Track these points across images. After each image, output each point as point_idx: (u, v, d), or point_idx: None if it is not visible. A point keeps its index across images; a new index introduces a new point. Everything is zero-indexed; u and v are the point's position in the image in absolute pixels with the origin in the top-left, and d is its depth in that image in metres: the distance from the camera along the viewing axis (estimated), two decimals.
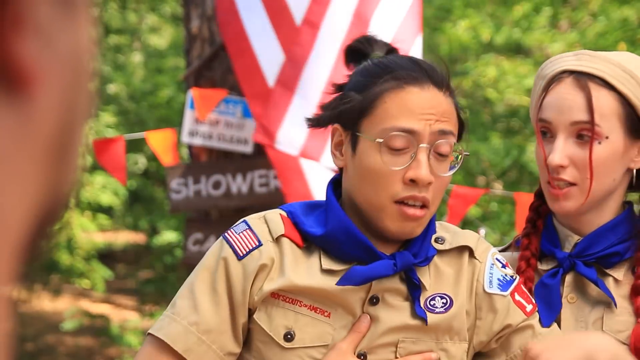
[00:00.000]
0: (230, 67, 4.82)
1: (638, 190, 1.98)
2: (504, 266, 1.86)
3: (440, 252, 1.82)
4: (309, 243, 1.79)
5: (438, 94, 1.73)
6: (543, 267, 1.98)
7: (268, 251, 1.75)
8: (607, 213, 1.94)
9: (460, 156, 1.75)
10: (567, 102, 1.85)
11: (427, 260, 1.78)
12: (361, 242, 1.74)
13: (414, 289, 1.76)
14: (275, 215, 1.80)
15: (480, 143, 8.77)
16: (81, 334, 9.91)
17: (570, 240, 1.95)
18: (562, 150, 1.86)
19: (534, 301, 1.85)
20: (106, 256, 12.17)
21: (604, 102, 1.83)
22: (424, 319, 1.75)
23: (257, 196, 4.89)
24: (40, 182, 0.42)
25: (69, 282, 9.85)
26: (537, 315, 1.84)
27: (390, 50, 1.84)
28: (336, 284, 1.73)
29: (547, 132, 1.90)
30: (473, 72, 9.28)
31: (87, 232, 10.10)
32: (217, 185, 4.94)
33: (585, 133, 1.85)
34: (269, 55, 4.27)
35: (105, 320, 9.80)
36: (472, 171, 9.28)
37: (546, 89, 1.89)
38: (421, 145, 1.70)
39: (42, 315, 10.34)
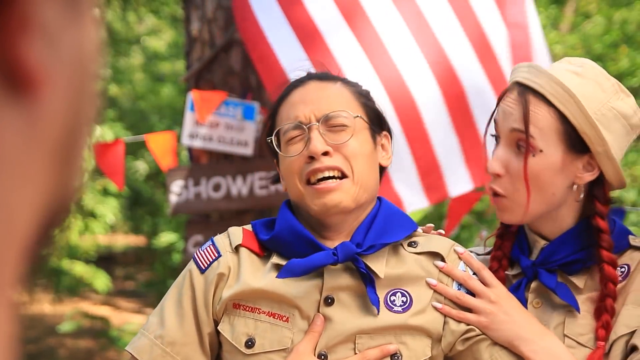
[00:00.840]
0: (231, 69, 4.82)
1: (601, 202, 1.94)
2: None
3: (411, 254, 1.87)
4: (268, 252, 1.89)
5: (321, 84, 1.88)
6: (512, 272, 2.01)
7: (226, 261, 1.87)
8: (566, 221, 1.95)
9: (356, 119, 1.85)
10: (509, 109, 1.91)
11: (372, 249, 1.83)
12: (305, 238, 1.83)
13: (365, 278, 1.81)
14: (237, 229, 1.93)
15: None
16: (81, 336, 9.90)
17: (537, 246, 1.98)
18: (501, 157, 1.91)
19: None
20: (106, 259, 12.17)
21: (542, 117, 1.86)
22: (376, 311, 1.80)
23: (257, 198, 4.89)
24: (47, 184, 0.42)
25: (70, 285, 9.84)
26: None
27: None
28: (276, 277, 1.81)
29: (498, 137, 1.94)
30: None
31: (86, 235, 10.09)
32: (217, 187, 4.94)
33: (522, 144, 1.88)
34: (286, 50, 4.20)
35: (105, 322, 9.81)
36: None
37: (502, 95, 1.95)
38: (309, 125, 1.83)
39: (42, 318, 10.34)
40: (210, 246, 1.91)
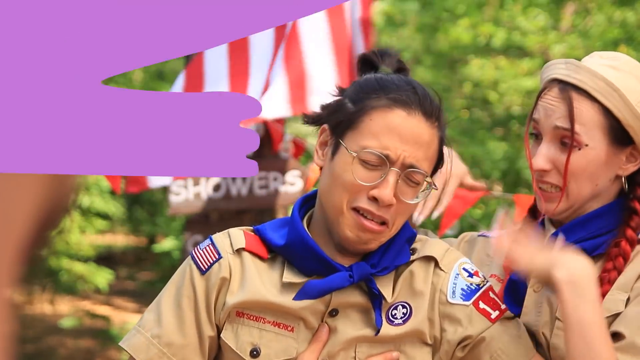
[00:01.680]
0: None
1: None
2: (471, 275, 1.87)
3: (409, 263, 1.85)
4: (274, 255, 1.85)
5: (423, 123, 1.77)
6: None
7: (227, 264, 1.83)
8: (590, 208, 1.98)
9: (430, 188, 1.79)
10: (552, 107, 1.92)
11: (386, 270, 1.81)
12: (318, 255, 1.79)
13: (374, 298, 1.80)
14: (238, 231, 1.88)
15: (478, 147, 8.77)
16: (81, 335, 9.91)
17: (547, 234, 2.00)
18: (545, 154, 1.93)
19: (502, 306, 1.86)
20: (106, 259, 12.17)
21: (585, 113, 1.89)
22: (377, 329, 1.79)
23: (256, 198, 4.90)
24: (43, 184, 0.42)
25: (70, 285, 9.85)
26: (506, 320, 1.85)
27: (401, 67, 1.88)
28: (293, 299, 1.79)
29: (538, 135, 1.96)
30: (474, 74, 9.27)
31: (86, 234, 10.09)
32: (216, 187, 4.94)
33: (566, 140, 1.91)
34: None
35: (105, 322, 9.81)
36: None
37: (540, 93, 1.97)
38: (392, 168, 1.74)
39: (42, 318, 10.34)
40: (210, 246, 1.86)
